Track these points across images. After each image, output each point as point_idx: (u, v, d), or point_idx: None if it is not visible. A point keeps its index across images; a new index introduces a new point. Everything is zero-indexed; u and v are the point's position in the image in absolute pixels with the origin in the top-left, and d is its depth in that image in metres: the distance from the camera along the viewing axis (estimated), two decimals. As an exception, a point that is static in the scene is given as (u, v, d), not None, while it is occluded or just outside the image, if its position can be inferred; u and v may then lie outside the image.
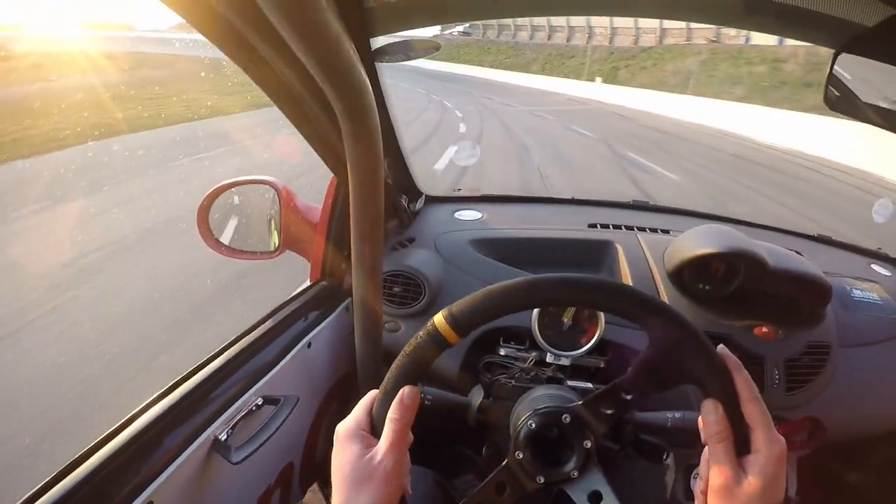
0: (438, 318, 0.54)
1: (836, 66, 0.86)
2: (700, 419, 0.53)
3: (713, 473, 0.51)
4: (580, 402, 0.61)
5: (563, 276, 0.54)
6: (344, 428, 0.57)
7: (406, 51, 0.86)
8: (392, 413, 0.54)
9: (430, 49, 0.86)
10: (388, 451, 0.54)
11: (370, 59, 0.87)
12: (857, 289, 1.26)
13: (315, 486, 1.13)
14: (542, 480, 0.60)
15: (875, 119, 0.92)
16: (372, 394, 0.58)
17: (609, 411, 0.59)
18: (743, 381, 0.52)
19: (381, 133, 0.76)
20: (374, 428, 0.56)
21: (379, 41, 0.87)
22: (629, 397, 0.58)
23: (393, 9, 0.79)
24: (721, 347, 0.53)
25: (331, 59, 0.62)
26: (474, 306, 0.53)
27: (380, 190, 0.80)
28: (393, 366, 0.56)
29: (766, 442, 0.50)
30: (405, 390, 0.55)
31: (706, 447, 0.53)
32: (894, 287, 1.31)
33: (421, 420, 0.64)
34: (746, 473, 0.50)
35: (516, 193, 1.65)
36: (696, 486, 0.56)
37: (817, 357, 1.12)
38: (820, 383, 1.11)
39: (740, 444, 0.51)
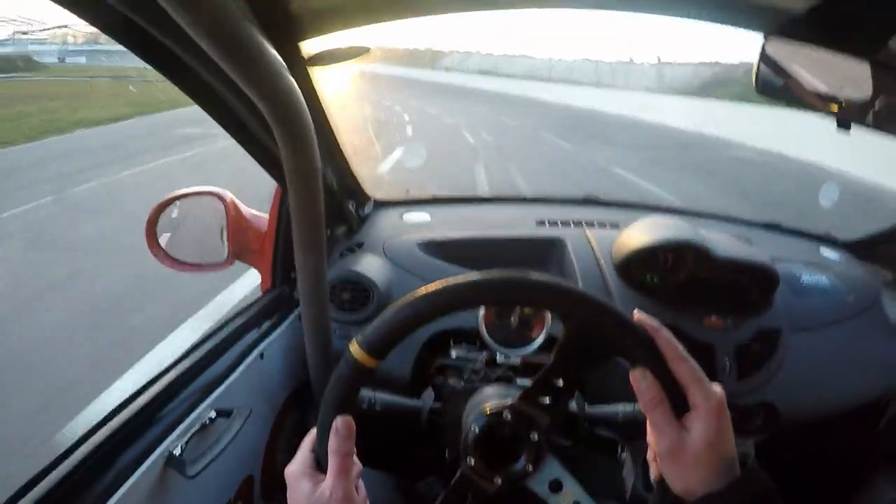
0: (353, 346, 0.54)
1: (765, 51, 0.88)
2: (634, 390, 0.52)
3: (657, 439, 0.51)
4: (517, 397, 0.61)
5: (465, 278, 0.54)
6: (291, 469, 0.57)
7: (339, 55, 0.85)
8: (331, 446, 0.54)
9: (362, 52, 0.86)
10: (336, 483, 0.54)
11: (301, 64, 0.86)
12: (805, 273, 1.28)
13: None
14: (500, 481, 0.60)
15: (806, 102, 0.94)
16: (312, 432, 0.58)
17: (547, 400, 0.59)
18: (665, 342, 0.52)
19: (316, 139, 0.75)
20: (318, 464, 0.56)
21: (312, 48, 0.86)
22: (561, 383, 0.57)
23: (319, 12, 0.78)
24: (636, 312, 0.53)
25: (254, 67, 0.61)
26: (385, 327, 0.53)
27: (319, 198, 0.79)
28: (322, 401, 0.56)
29: (702, 396, 0.50)
30: (338, 422, 0.55)
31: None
32: (843, 270, 1.33)
33: (375, 426, 0.64)
34: (689, 431, 0.50)
35: (466, 195, 1.65)
36: (648, 456, 0.56)
37: (767, 343, 1.13)
38: (771, 369, 1.12)
39: (676, 405, 0.51)
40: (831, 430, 1.28)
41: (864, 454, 1.31)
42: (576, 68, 36.20)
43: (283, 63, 0.67)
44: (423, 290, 0.54)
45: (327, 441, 0.55)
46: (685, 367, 0.51)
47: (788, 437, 1.16)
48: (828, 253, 1.43)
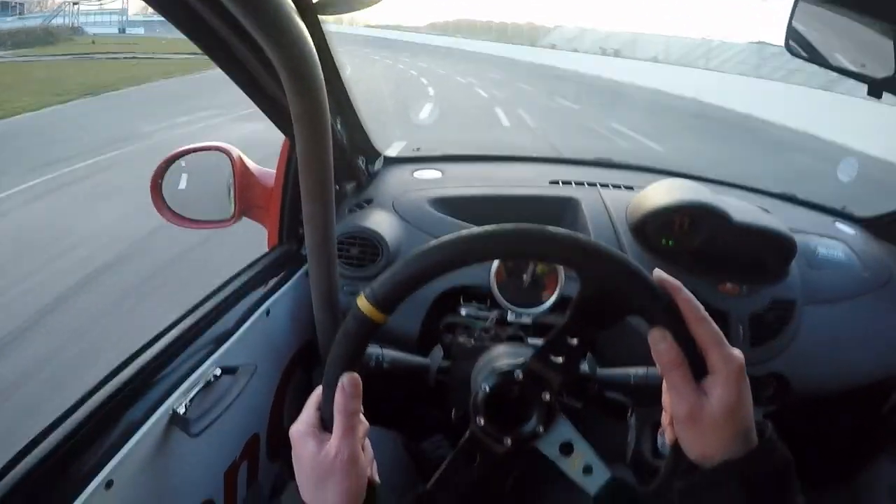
0: (361, 300, 0.52)
1: (797, 13, 0.85)
2: (652, 351, 0.50)
3: (675, 402, 0.49)
4: (529, 357, 0.59)
5: (478, 229, 0.51)
6: (296, 429, 0.55)
7: (349, 2, 0.82)
8: (337, 404, 0.53)
9: (373, 1, 0.82)
10: (342, 442, 0.52)
11: (310, 11, 0.82)
12: (822, 246, 1.26)
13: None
14: (510, 442, 0.59)
15: (836, 66, 0.91)
16: (318, 390, 0.57)
17: (559, 359, 0.57)
18: (686, 302, 0.49)
19: (325, 88, 0.72)
20: (323, 423, 0.55)
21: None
22: (575, 342, 0.55)
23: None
24: (657, 271, 0.51)
25: (264, 11, 0.59)
26: (395, 280, 0.51)
27: (328, 147, 0.77)
28: (328, 357, 0.55)
29: (722, 360, 0.48)
30: (344, 379, 0.53)
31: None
32: (858, 245, 1.31)
33: (383, 384, 0.63)
34: (708, 395, 0.48)
35: (477, 153, 1.62)
36: (663, 420, 0.54)
37: (781, 313, 1.12)
38: (784, 340, 1.11)
39: (696, 368, 0.49)
40: (840, 405, 1.27)
41: (871, 431, 1.30)
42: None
43: (293, 6, 0.64)
44: (435, 241, 0.52)
45: (333, 399, 0.53)
46: (705, 328, 0.49)
47: (797, 409, 1.16)
48: (844, 227, 1.40)
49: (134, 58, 20.64)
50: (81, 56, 20.99)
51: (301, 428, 0.55)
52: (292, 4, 0.64)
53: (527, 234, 0.51)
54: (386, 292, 0.52)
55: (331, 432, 0.54)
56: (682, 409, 0.49)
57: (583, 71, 22.93)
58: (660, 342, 0.49)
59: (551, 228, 0.51)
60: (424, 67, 21.55)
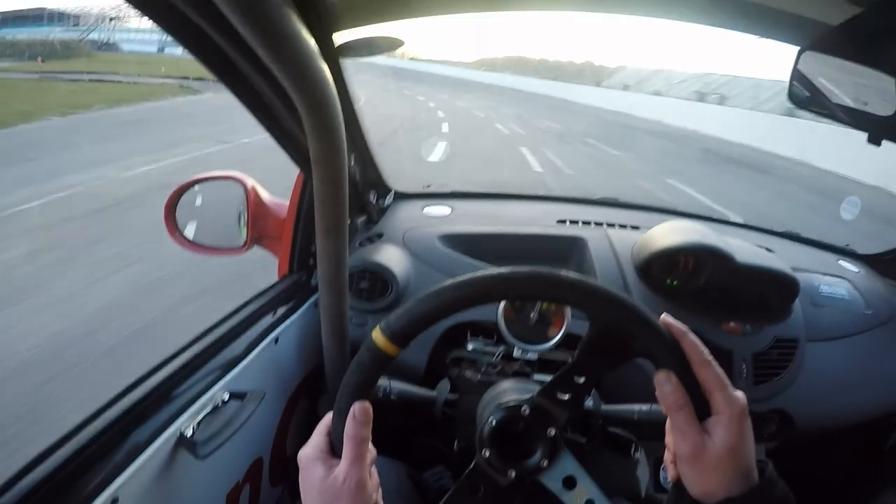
0: (376, 333, 0.54)
1: (800, 64, 0.87)
2: (657, 392, 0.52)
3: (678, 442, 0.51)
4: (536, 393, 0.61)
5: (495, 272, 0.53)
6: (305, 453, 0.57)
7: (370, 47, 0.85)
8: (347, 431, 0.54)
9: (395, 45, 0.85)
10: (350, 469, 0.54)
11: (333, 54, 0.85)
12: (825, 284, 1.27)
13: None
14: (514, 475, 0.60)
15: (838, 116, 0.93)
16: (328, 416, 0.58)
17: (566, 397, 0.59)
18: (691, 345, 0.51)
19: (344, 128, 0.75)
20: (333, 449, 0.56)
21: (343, 37, 0.85)
22: (582, 381, 0.57)
23: (355, 4, 0.78)
24: (664, 316, 0.53)
25: (289, 53, 0.61)
26: (410, 316, 0.53)
27: (344, 185, 0.80)
28: (341, 385, 0.56)
29: (725, 402, 0.50)
30: (356, 407, 0.54)
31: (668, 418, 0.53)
32: (861, 283, 1.33)
33: (389, 415, 0.64)
34: (711, 435, 0.50)
35: (486, 190, 1.65)
36: (666, 458, 0.56)
37: (785, 351, 1.13)
38: (788, 377, 1.12)
39: (700, 408, 0.51)
40: (843, 441, 1.27)
41: (873, 468, 1.30)
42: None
43: (317, 50, 0.66)
44: (452, 280, 0.53)
45: (343, 426, 0.55)
46: (710, 371, 0.51)
47: (799, 446, 1.16)
48: (847, 265, 1.42)
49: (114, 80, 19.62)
50: (65, 74, 20.35)
51: (310, 452, 0.56)
52: (316, 48, 0.66)
53: (541, 277, 0.53)
54: (402, 326, 0.53)
55: (339, 458, 0.55)
56: (685, 448, 0.50)
57: (679, 124, 16.94)
58: (665, 384, 0.51)
59: (564, 273, 0.53)
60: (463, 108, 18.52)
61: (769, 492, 0.50)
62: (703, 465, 0.50)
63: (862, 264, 1.44)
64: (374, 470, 0.58)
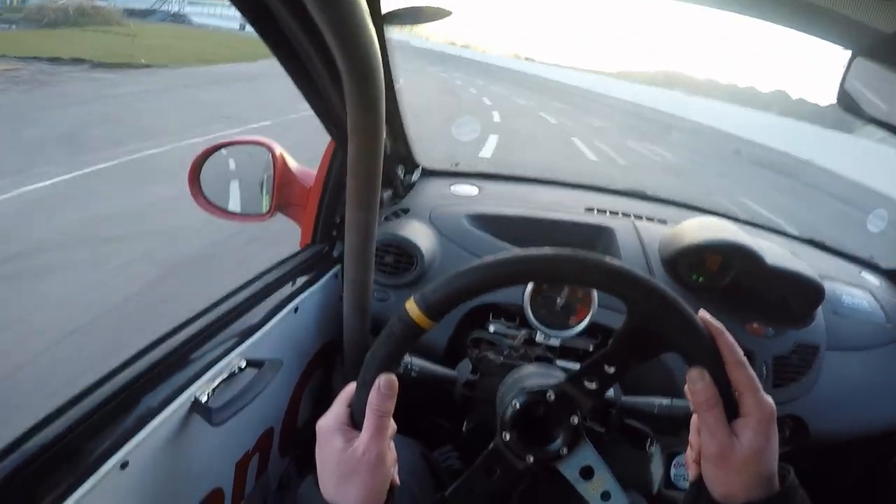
0: (410, 304, 0.53)
1: (851, 69, 0.85)
2: (686, 388, 0.52)
3: (706, 441, 0.51)
4: (564, 379, 0.60)
5: (538, 250, 0.52)
6: (324, 423, 0.56)
7: (416, 15, 0.83)
8: (371, 403, 0.53)
9: (442, 15, 0.84)
10: (370, 441, 0.53)
11: (380, 21, 0.84)
12: (847, 295, 1.27)
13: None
14: (532, 460, 0.60)
15: (888, 125, 0.91)
16: (350, 387, 0.57)
17: (593, 386, 0.58)
18: (726, 345, 0.51)
19: (384, 99, 0.73)
20: (354, 420, 0.55)
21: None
22: (612, 370, 0.56)
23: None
24: (702, 312, 0.52)
25: (342, 16, 0.59)
26: (447, 289, 0.52)
27: (379, 157, 0.78)
28: (368, 355, 0.55)
29: (756, 404, 0.50)
30: (382, 379, 0.54)
31: (694, 416, 0.53)
32: (883, 296, 1.32)
33: (409, 391, 0.64)
34: (739, 437, 0.50)
35: (514, 173, 1.63)
36: (688, 457, 0.56)
37: (805, 357, 1.13)
38: (806, 383, 1.12)
39: (729, 409, 0.50)
40: (855, 452, 1.27)
41: (886, 481, 1.30)
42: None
43: (368, 13, 0.65)
44: (493, 256, 0.53)
45: (366, 397, 0.54)
46: (743, 372, 0.50)
47: (811, 454, 1.16)
48: (870, 277, 1.41)
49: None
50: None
51: (330, 423, 0.55)
52: (367, 10, 0.64)
53: (583, 261, 0.52)
54: (438, 299, 0.52)
55: (359, 430, 0.54)
56: (712, 448, 0.50)
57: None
58: (697, 381, 0.51)
59: (608, 259, 0.52)
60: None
61: (791, 499, 0.50)
62: (728, 466, 0.50)
63: (884, 278, 1.43)
64: (392, 444, 0.57)
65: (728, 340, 0.51)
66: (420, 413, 1.11)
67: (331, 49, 0.64)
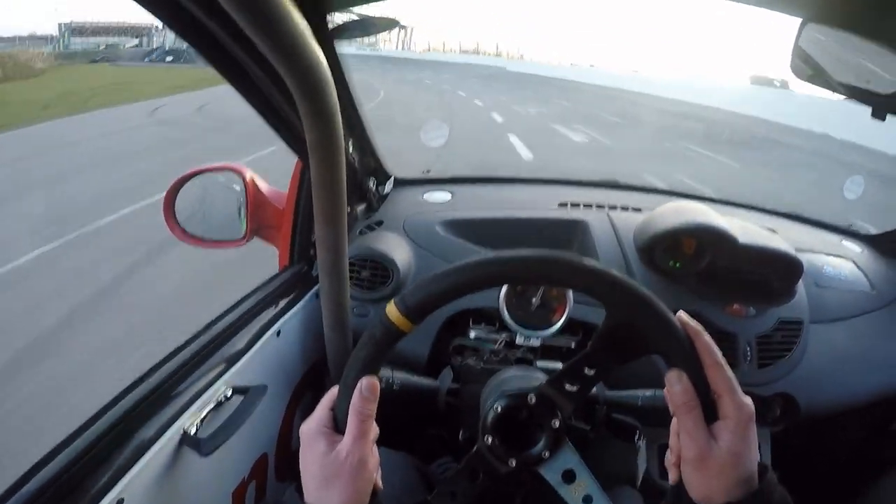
0: (390, 307, 0.53)
1: (802, 36, 0.86)
2: (665, 390, 0.52)
3: (685, 444, 0.51)
4: (544, 382, 0.60)
5: (517, 253, 0.53)
6: (307, 427, 0.56)
7: (365, 27, 0.83)
8: (353, 406, 0.54)
9: (389, 25, 0.84)
10: (353, 445, 0.53)
11: (327, 36, 0.84)
12: (828, 265, 1.27)
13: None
14: (514, 463, 0.60)
15: (841, 89, 0.92)
16: (333, 390, 0.57)
17: (574, 388, 0.58)
18: (704, 346, 0.51)
19: (340, 113, 0.74)
20: (336, 424, 0.56)
21: (336, 20, 0.84)
22: (592, 373, 0.57)
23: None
24: (680, 313, 0.53)
25: (280, 36, 0.60)
26: (425, 292, 0.53)
27: (341, 171, 0.78)
28: (350, 359, 0.56)
29: (734, 407, 0.50)
30: (363, 382, 0.54)
31: (674, 419, 0.53)
32: (865, 263, 1.32)
33: (392, 405, 0.64)
34: (717, 440, 0.50)
35: (486, 175, 1.63)
36: (668, 461, 0.56)
37: (789, 333, 1.12)
38: (792, 360, 1.11)
39: (708, 412, 0.50)
40: (848, 423, 1.26)
41: (878, 448, 1.30)
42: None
43: (311, 32, 0.65)
44: (473, 259, 0.53)
45: (349, 401, 0.54)
46: (721, 374, 0.51)
47: (804, 429, 1.15)
48: (851, 245, 1.41)
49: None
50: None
51: (313, 426, 0.56)
52: (309, 29, 0.65)
53: (561, 263, 0.53)
54: (417, 301, 0.53)
55: (343, 434, 0.54)
56: (691, 451, 0.50)
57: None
58: (675, 383, 0.51)
59: (586, 260, 0.52)
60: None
61: (768, 497, 0.50)
62: (708, 469, 0.50)
63: (865, 244, 1.43)
64: (374, 449, 0.57)
65: (706, 342, 0.51)
66: (413, 426, 1.11)
67: (277, 70, 0.65)
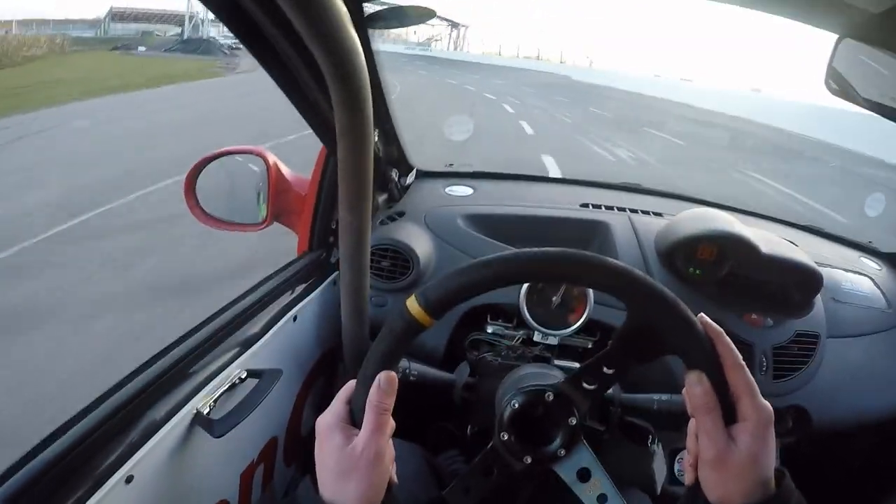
0: (411, 302, 0.53)
1: (838, 52, 0.85)
2: (685, 391, 0.52)
3: (704, 445, 0.51)
4: (563, 380, 0.60)
5: (540, 250, 0.53)
6: (324, 421, 0.56)
7: (400, 17, 0.83)
8: (371, 399, 0.53)
9: (425, 16, 0.84)
10: (370, 439, 0.53)
11: (362, 23, 0.84)
12: (847, 281, 1.26)
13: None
14: (529, 460, 0.59)
15: (874, 107, 0.91)
16: (350, 384, 0.57)
17: (592, 387, 0.58)
18: (725, 348, 0.51)
19: (371, 101, 0.74)
20: (353, 418, 0.55)
21: (372, 7, 0.84)
22: (611, 372, 0.57)
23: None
24: (702, 316, 0.52)
25: (320, 19, 0.59)
26: (447, 287, 0.53)
27: (369, 159, 0.78)
28: (368, 353, 0.55)
29: (753, 409, 0.50)
30: (382, 376, 0.54)
31: (692, 420, 0.53)
32: (883, 281, 1.32)
33: (406, 396, 0.64)
34: (736, 442, 0.50)
35: (509, 172, 1.63)
36: (685, 462, 0.56)
37: (805, 346, 1.12)
38: (807, 373, 1.11)
39: (727, 413, 0.50)
40: (860, 439, 1.26)
41: (889, 466, 1.29)
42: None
43: (348, 16, 0.65)
44: (496, 255, 0.53)
45: (366, 394, 0.54)
46: (741, 376, 0.51)
47: (814, 442, 1.15)
48: (869, 263, 1.40)
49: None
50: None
51: (329, 420, 0.55)
52: (347, 14, 0.65)
53: (584, 262, 0.52)
54: (439, 296, 0.53)
55: (359, 427, 0.54)
56: (710, 453, 0.50)
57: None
58: (696, 385, 0.51)
59: (610, 260, 0.52)
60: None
61: (786, 501, 0.50)
62: (725, 471, 0.50)
63: (884, 262, 1.43)
64: (390, 442, 0.57)
65: (727, 344, 0.51)
66: (424, 418, 1.11)
67: (314, 54, 0.65)
